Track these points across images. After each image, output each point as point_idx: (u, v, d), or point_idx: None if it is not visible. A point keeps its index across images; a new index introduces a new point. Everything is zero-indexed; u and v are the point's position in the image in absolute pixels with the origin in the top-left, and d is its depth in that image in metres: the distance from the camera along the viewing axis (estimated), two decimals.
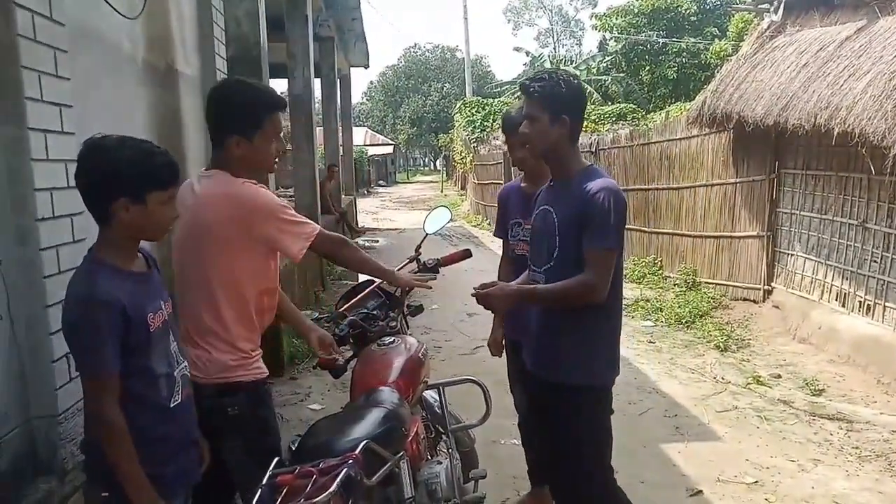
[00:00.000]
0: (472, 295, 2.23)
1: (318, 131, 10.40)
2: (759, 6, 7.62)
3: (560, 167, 2.30)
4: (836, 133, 5.16)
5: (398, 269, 2.80)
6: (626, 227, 2.48)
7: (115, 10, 2.71)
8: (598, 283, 2.12)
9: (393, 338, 2.53)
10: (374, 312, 2.64)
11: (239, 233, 1.99)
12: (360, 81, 78.36)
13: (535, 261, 2.35)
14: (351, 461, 1.69)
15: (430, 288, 2.56)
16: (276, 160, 2.14)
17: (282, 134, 2.14)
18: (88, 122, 2.36)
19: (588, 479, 2.29)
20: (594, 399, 2.26)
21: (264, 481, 1.67)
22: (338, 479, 1.62)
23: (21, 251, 2.07)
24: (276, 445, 2.11)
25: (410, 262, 2.76)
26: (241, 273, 2.03)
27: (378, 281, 2.78)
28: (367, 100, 55.80)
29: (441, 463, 2.38)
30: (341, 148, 14.41)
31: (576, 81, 2.30)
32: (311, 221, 2.15)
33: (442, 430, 2.66)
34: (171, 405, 1.73)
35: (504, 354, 3.10)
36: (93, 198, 1.65)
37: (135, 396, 1.65)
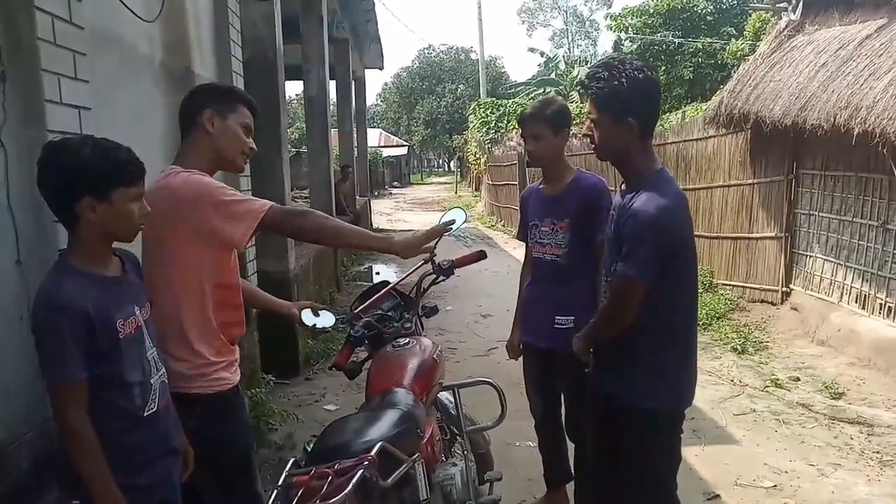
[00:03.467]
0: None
1: (333, 133, 10.44)
2: (777, 5, 7.54)
3: (628, 171, 2.11)
4: (855, 133, 5.09)
5: (411, 272, 2.81)
6: None
7: (133, 13, 2.73)
8: (614, 312, 2.05)
9: (408, 339, 2.52)
10: (390, 314, 2.64)
11: (178, 228, 1.87)
12: (375, 83, 78.75)
13: (605, 268, 2.25)
14: (367, 462, 1.70)
15: (433, 250, 2.32)
16: (245, 155, 2.07)
17: (251, 138, 2.08)
18: (107, 124, 2.38)
19: (651, 500, 2.19)
20: (660, 424, 2.12)
21: (280, 482, 1.68)
22: (353, 481, 1.62)
23: (41, 251, 2.09)
24: (241, 457, 2.03)
25: (425, 263, 2.76)
26: (192, 270, 1.92)
27: (393, 282, 2.78)
28: (381, 101, 55.96)
29: (456, 465, 2.37)
30: (356, 149, 14.46)
31: (641, 76, 1.99)
32: (260, 199, 1.95)
33: (457, 431, 2.65)
34: (146, 413, 1.68)
35: (521, 358, 3.08)
36: (57, 200, 1.61)
37: (105, 405, 1.60)
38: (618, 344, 2.11)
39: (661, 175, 2.08)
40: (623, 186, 2.18)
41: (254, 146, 2.10)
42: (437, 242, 2.23)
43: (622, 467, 2.16)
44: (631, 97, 1.97)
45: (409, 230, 15.35)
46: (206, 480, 1.95)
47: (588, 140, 2.13)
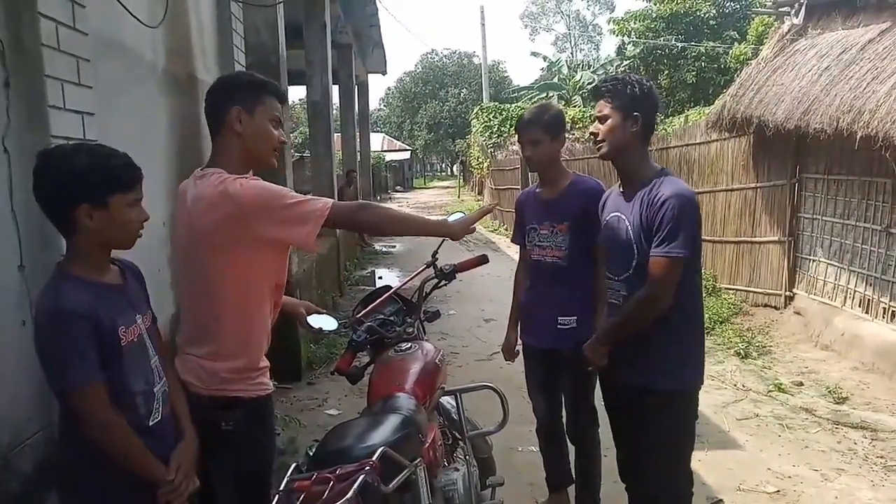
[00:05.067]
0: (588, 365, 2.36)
1: (336, 137, 10.47)
2: (780, 9, 7.54)
3: (630, 171, 2.28)
4: (859, 137, 5.08)
5: (413, 276, 2.81)
6: None
7: (137, 19, 2.75)
8: (659, 293, 2.12)
9: (410, 343, 2.52)
10: (392, 318, 2.63)
11: (236, 236, 1.83)
12: (378, 88, 79.01)
13: (613, 270, 2.32)
14: (368, 467, 1.69)
15: (492, 211, 2.43)
16: (277, 150, 2.00)
17: (283, 129, 2.03)
18: (110, 129, 2.40)
19: (675, 478, 2.31)
20: (685, 403, 2.27)
21: (282, 487, 1.68)
22: (355, 486, 1.62)
23: (44, 257, 2.09)
24: (263, 468, 2.01)
25: (427, 267, 2.77)
26: (258, 275, 1.91)
27: (395, 286, 2.78)
28: (384, 106, 56.10)
29: (458, 470, 2.36)
30: (359, 154, 14.50)
31: (648, 83, 2.27)
32: (320, 197, 1.93)
33: (459, 436, 2.65)
34: (151, 423, 1.66)
35: (523, 361, 3.09)
36: (54, 208, 1.59)
37: None
38: (639, 333, 2.20)
39: (669, 173, 2.27)
40: (621, 189, 2.31)
41: (285, 139, 2.05)
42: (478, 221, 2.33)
43: (652, 453, 2.26)
44: (640, 95, 2.21)
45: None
46: (225, 483, 1.93)
47: (592, 140, 2.28)
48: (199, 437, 1.85)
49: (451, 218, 2.60)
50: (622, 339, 2.26)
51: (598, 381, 2.64)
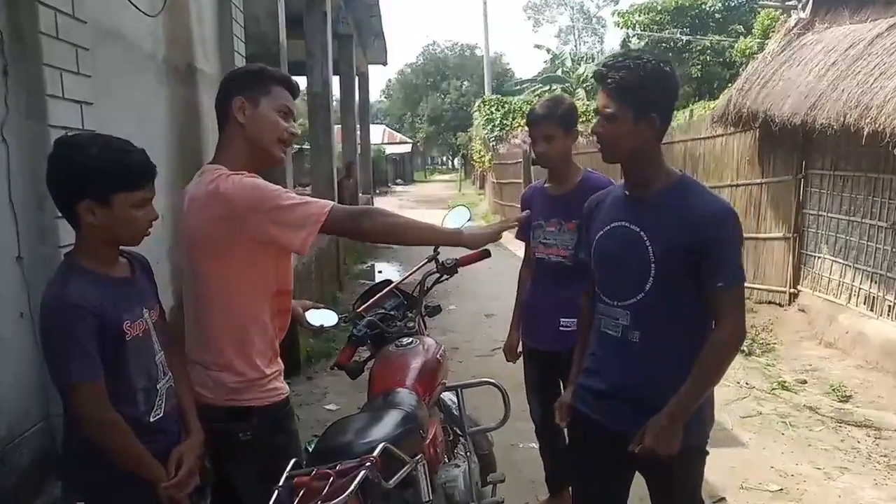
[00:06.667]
0: (637, 452, 1.77)
1: (336, 129, 10.42)
2: (787, 3, 7.49)
3: (644, 175, 1.86)
4: (866, 133, 5.04)
5: (414, 270, 2.77)
6: None
7: (136, 7, 2.71)
8: (741, 329, 1.81)
9: (411, 339, 2.49)
10: (392, 313, 2.61)
11: (237, 236, 1.73)
12: (379, 79, 78.76)
13: (613, 292, 1.88)
14: (369, 463, 1.67)
15: (518, 224, 2.29)
16: (285, 143, 1.88)
17: (293, 121, 1.90)
18: (109, 119, 2.36)
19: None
20: (700, 459, 1.94)
21: (281, 483, 1.66)
22: (355, 482, 1.59)
23: (42, 249, 2.07)
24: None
25: (429, 261, 2.73)
26: (256, 280, 1.81)
27: (396, 281, 2.75)
28: (385, 98, 55.94)
29: (459, 466, 2.35)
30: (359, 146, 14.44)
31: (667, 68, 1.81)
32: (319, 200, 1.80)
33: (460, 432, 2.63)
34: (152, 419, 1.64)
35: (522, 360, 3.05)
36: (59, 199, 1.57)
37: None
38: (662, 371, 1.82)
39: (692, 179, 1.92)
40: (626, 191, 1.91)
41: (295, 130, 1.91)
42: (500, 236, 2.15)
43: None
44: (656, 89, 1.78)
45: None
46: (251, 492, 1.84)
47: (596, 138, 1.86)
48: (219, 446, 1.83)
49: (452, 212, 2.58)
50: (634, 378, 1.85)
51: None
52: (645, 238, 1.81)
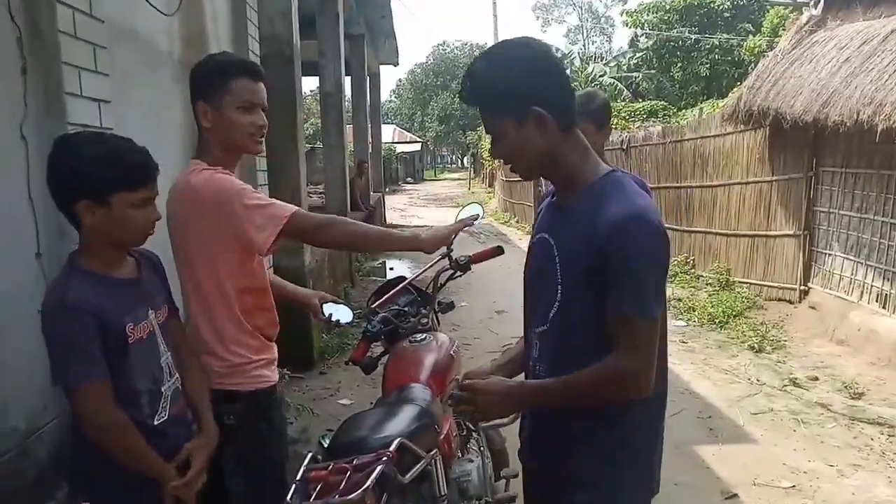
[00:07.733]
0: (450, 396, 1.58)
1: (348, 129, 10.44)
2: (798, 0, 7.44)
3: (564, 178, 1.51)
4: (879, 129, 5.01)
5: (428, 267, 2.78)
6: None
7: (153, 6, 2.74)
8: (640, 368, 1.36)
9: (425, 335, 2.51)
10: (406, 309, 2.62)
11: (202, 231, 1.80)
12: (389, 79, 78.82)
13: (531, 317, 1.56)
14: (385, 458, 1.68)
15: (451, 243, 2.19)
16: (255, 136, 1.88)
17: (261, 110, 1.88)
18: (126, 117, 2.39)
19: None
20: None
21: (298, 476, 1.67)
22: (372, 476, 1.61)
23: (61, 246, 2.10)
24: (269, 463, 1.97)
25: (442, 258, 2.74)
26: (218, 274, 1.84)
27: (409, 277, 2.76)
28: (395, 97, 56.00)
29: (472, 461, 2.36)
30: (370, 145, 14.46)
31: (527, 51, 1.43)
32: (286, 204, 1.84)
33: (473, 428, 2.64)
34: (155, 423, 1.61)
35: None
36: (58, 199, 1.54)
37: None
38: (568, 420, 1.47)
39: (619, 176, 1.48)
40: (553, 199, 1.57)
41: (263, 122, 1.88)
42: (455, 236, 2.16)
43: None
44: (516, 81, 1.41)
45: (423, 226, 15.36)
46: (235, 478, 1.90)
47: (503, 163, 1.60)
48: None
49: (465, 211, 2.59)
50: (577, 437, 1.47)
51: None
52: (556, 253, 1.47)
